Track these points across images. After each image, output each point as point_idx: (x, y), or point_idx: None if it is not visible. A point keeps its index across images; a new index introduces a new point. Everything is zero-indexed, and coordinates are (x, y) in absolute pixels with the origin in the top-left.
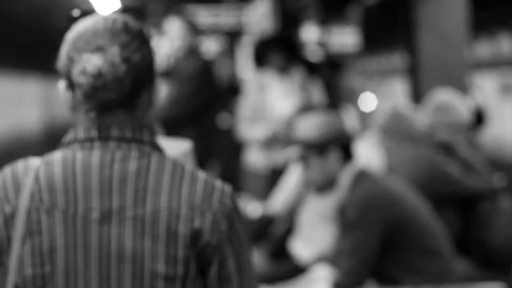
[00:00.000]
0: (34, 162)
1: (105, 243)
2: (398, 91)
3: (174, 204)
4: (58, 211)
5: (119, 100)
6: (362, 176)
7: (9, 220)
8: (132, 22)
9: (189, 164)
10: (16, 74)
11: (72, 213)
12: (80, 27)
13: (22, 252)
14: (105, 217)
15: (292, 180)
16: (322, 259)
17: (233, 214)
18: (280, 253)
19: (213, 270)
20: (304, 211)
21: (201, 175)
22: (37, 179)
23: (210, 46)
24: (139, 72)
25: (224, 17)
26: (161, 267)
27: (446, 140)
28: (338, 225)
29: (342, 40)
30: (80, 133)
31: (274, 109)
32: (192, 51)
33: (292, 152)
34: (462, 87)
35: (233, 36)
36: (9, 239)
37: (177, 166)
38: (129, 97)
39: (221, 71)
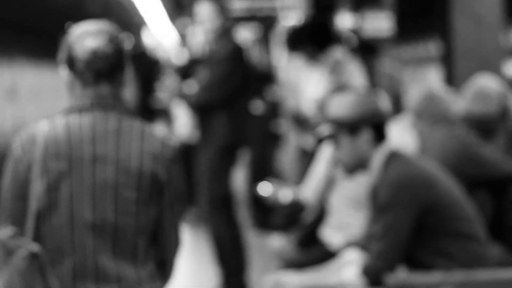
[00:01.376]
0: (43, 126)
1: (94, 177)
2: (432, 79)
3: (140, 153)
4: (61, 157)
5: (107, 71)
6: (394, 157)
7: (29, 167)
8: (113, 26)
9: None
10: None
11: (71, 158)
12: (78, 27)
13: (40, 186)
14: (94, 160)
15: (322, 166)
16: (353, 245)
17: (178, 160)
18: (310, 241)
19: (166, 196)
20: (335, 196)
21: (158, 133)
22: (46, 137)
23: (245, 33)
24: (120, 55)
25: (258, 2)
26: (132, 193)
27: (484, 122)
28: (369, 208)
29: (376, 26)
30: (75, 103)
31: (305, 94)
32: (224, 34)
33: (323, 131)
34: (498, 73)
35: (267, 22)
36: (28, 180)
37: (140, 126)
38: (113, 70)
39: (255, 58)
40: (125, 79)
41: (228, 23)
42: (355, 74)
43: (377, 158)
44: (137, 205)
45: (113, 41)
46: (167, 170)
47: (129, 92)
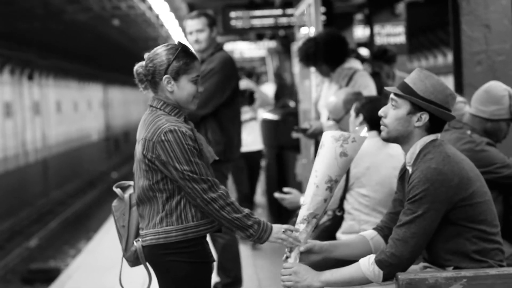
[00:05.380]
0: None
1: (136, 153)
2: None
3: (143, 138)
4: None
5: (149, 83)
6: (433, 146)
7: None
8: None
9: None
10: None
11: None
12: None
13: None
14: (139, 140)
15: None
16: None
17: (165, 140)
18: None
19: (160, 167)
20: (351, 199)
21: (159, 122)
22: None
23: (261, 48)
24: (155, 73)
25: (275, 19)
26: (142, 165)
27: (494, 122)
28: (397, 189)
29: (390, 37)
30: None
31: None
32: (215, 47)
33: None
34: (508, 79)
35: (288, 33)
36: None
37: (154, 119)
38: (152, 83)
39: (274, 68)
40: (164, 87)
41: (215, 34)
42: (371, 86)
43: (419, 144)
44: (146, 172)
45: (148, 60)
46: (152, 150)
47: None
